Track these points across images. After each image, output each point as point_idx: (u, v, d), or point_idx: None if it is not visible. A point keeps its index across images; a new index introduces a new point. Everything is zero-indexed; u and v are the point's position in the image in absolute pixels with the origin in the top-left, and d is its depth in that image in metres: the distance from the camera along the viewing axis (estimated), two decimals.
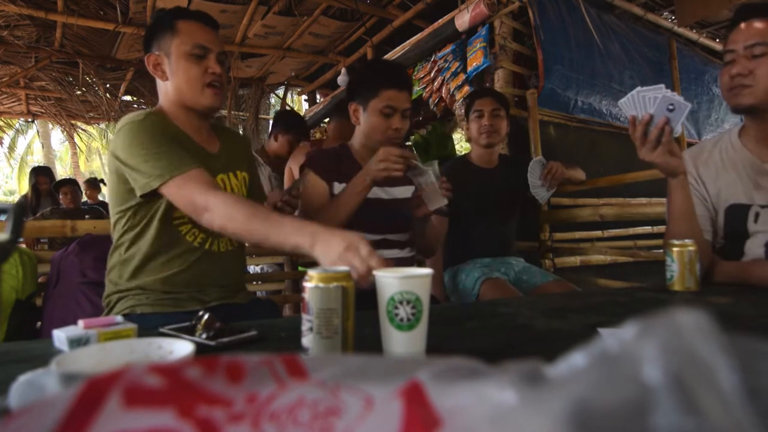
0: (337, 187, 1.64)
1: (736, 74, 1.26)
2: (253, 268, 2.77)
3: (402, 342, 0.67)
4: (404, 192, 1.72)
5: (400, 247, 1.71)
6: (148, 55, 1.30)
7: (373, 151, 1.64)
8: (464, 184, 2.15)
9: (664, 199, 1.44)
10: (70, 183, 4.38)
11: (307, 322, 0.66)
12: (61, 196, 4.20)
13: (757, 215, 1.30)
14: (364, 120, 1.63)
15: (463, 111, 2.90)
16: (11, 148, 11.37)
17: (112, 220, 1.30)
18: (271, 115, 6.64)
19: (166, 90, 1.31)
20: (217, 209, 1.10)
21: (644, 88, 1.19)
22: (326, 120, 4.90)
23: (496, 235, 2.23)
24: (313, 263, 0.90)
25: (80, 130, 6.64)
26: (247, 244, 1.53)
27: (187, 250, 1.27)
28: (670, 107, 1.17)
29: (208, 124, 1.39)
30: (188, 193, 1.14)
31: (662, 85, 1.17)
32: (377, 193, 1.65)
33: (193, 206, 1.14)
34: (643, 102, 1.19)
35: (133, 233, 1.26)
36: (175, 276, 1.25)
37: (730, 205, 1.35)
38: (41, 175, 4.53)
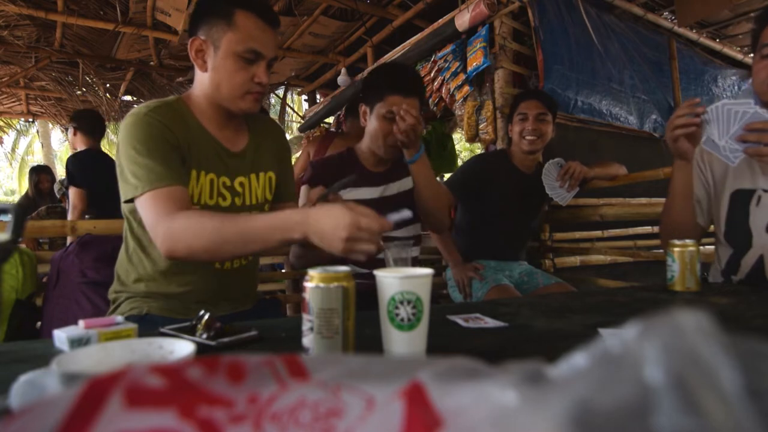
0: (344, 195, 1.59)
1: None
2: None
3: (403, 342, 0.67)
4: (402, 186, 1.71)
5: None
6: (193, 38, 1.16)
7: (376, 156, 1.64)
8: (496, 181, 2.10)
9: (664, 199, 1.45)
10: None
11: (307, 322, 0.66)
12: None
13: (759, 198, 1.32)
14: (370, 123, 1.63)
15: (462, 111, 2.90)
16: (13, 149, 11.38)
17: (123, 211, 1.22)
18: (272, 114, 6.64)
19: (202, 80, 1.19)
20: (180, 232, 1.00)
21: (731, 101, 1.19)
22: (327, 120, 4.91)
23: (510, 239, 2.19)
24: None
25: None
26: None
27: (193, 268, 1.20)
28: None
29: (237, 120, 1.27)
30: (151, 214, 1.05)
31: (751, 101, 1.17)
32: (372, 192, 1.65)
33: (152, 230, 1.05)
34: (728, 116, 1.18)
35: (139, 238, 1.21)
36: (184, 293, 1.21)
37: (735, 190, 1.37)
38: (42, 173, 4.55)
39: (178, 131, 1.14)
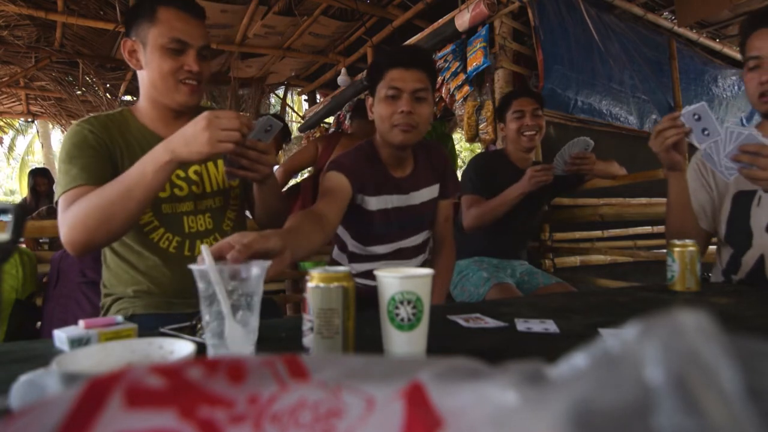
0: (369, 201, 1.43)
1: (767, 81, 1.28)
2: None
3: (403, 342, 0.67)
4: (429, 194, 1.57)
5: (413, 255, 1.59)
6: (125, 40, 1.21)
7: (390, 148, 1.45)
8: (496, 180, 2.11)
9: (664, 199, 1.45)
10: None
11: (307, 322, 0.66)
12: None
13: (759, 199, 1.33)
14: (375, 111, 1.43)
15: (462, 111, 2.90)
16: (11, 148, 11.39)
17: None
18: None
19: (141, 80, 1.24)
20: (72, 217, 1.03)
21: (689, 107, 1.22)
22: (327, 120, 4.91)
23: (511, 236, 2.19)
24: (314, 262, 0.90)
25: None
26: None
27: (165, 258, 1.21)
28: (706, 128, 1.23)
29: (187, 117, 1.21)
30: (58, 217, 1.08)
31: (703, 101, 1.22)
32: (392, 201, 1.48)
33: (60, 232, 1.07)
34: (725, 134, 1.19)
35: (111, 246, 1.24)
36: (162, 284, 1.21)
37: (737, 191, 1.38)
38: (39, 176, 4.56)
39: (110, 137, 1.18)
